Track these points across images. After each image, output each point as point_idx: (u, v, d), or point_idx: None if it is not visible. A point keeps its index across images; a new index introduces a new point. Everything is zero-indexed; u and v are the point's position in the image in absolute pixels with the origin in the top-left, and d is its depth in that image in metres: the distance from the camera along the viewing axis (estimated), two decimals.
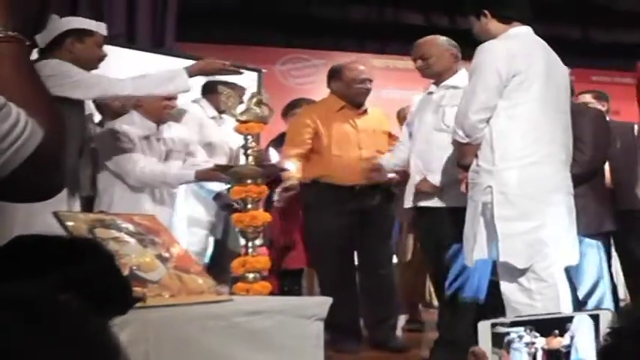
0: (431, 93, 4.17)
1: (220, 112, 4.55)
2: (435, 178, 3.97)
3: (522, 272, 3.20)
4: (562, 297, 3.25)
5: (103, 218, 2.63)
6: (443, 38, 4.27)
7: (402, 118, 5.44)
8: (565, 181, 3.34)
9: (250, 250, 3.19)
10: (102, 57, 3.68)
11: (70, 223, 2.47)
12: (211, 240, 4.62)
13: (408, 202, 4.13)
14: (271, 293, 3.28)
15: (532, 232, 3.19)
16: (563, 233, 3.27)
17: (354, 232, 4.52)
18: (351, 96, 4.70)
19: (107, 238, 2.49)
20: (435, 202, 4.00)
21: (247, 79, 6.24)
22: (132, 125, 4.07)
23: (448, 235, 3.85)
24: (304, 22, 8.60)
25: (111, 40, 3.86)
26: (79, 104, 3.59)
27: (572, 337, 1.21)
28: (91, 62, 3.64)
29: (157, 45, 6.57)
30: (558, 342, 1.22)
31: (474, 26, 3.49)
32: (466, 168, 3.38)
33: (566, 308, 3.30)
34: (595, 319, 1.22)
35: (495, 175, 3.22)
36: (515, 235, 3.17)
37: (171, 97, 4.10)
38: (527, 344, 1.21)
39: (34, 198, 1.51)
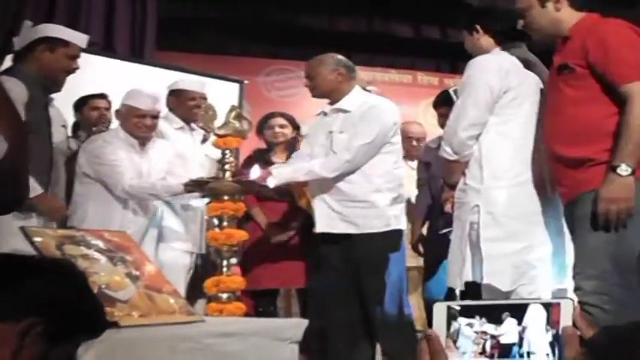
0: (325, 114, 4.17)
1: (187, 121, 4.56)
2: (338, 208, 3.97)
3: (507, 295, 3.21)
4: None
5: (73, 234, 2.64)
6: (333, 57, 4.24)
7: (402, 132, 5.46)
8: (556, 201, 3.36)
9: (225, 270, 3.20)
10: (71, 70, 3.66)
11: (37, 239, 2.49)
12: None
13: (319, 227, 4.05)
14: (246, 314, 3.29)
15: (518, 253, 3.20)
16: (550, 256, 3.29)
17: None
18: None
19: (76, 255, 2.50)
20: (347, 229, 3.98)
21: (228, 91, 6.32)
22: (117, 139, 4.14)
23: (364, 261, 3.93)
24: (289, 32, 8.64)
25: (87, 47, 3.87)
26: (46, 118, 3.61)
27: (524, 328, 1.20)
28: (57, 74, 3.63)
29: (136, 54, 6.59)
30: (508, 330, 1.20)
31: (465, 41, 3.52)
32: (453, 186, 3.40)
33: None
34: (548, 307, 1.21)
35: (483, 193, 3.23)
36: (500, 256, 3.19)
37: (144, 115, 4.13)
38: (477, 333, 1.18)
39: None
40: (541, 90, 3.35)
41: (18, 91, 3.37)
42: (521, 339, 1.17)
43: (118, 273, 2.53)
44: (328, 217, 3.99)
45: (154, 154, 4.25)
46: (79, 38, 3.71)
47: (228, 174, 3.24)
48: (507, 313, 1.17)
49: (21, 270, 1.32)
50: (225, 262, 3.20)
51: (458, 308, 1.17)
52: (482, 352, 1.17)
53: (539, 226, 3.25)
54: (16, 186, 1.29)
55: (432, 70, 9.42)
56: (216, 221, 3.45)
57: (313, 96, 4.22)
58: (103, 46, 6.32)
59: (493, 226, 3.19)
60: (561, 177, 3.05)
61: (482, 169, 3.24)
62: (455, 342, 1.17)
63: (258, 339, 2.56)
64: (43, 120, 3.56)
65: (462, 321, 1.17)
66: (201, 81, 4.86)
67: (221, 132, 3.27)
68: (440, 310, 1.18)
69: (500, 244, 3.17)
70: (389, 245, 4.01)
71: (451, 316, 1.17)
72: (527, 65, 3.36)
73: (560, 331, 1.17)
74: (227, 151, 3.27)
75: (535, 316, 1.18)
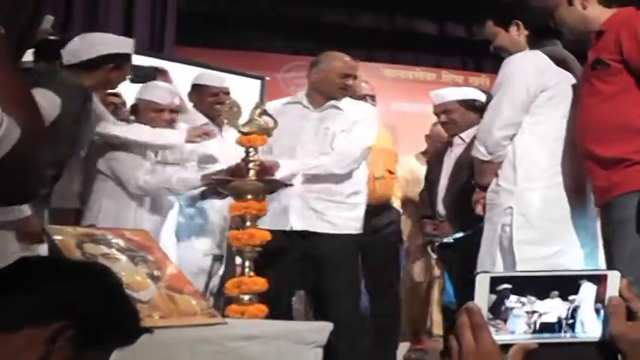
0: (306, 107, 4.12)
1: (211, 118, 4.50)
2: (317, 206, 3.98)
3: None
4: None
5: (93, 233, 2.62)
6: None
7: (435, 135, 5.41)
8: (590, 204, 3.32)
9: (247, 270, 3.18)
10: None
11: (57, 237, 2.47)
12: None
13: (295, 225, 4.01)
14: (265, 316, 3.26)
15: (552, 257, 3.16)
16: (583, 260, 3.25)
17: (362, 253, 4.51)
18: None
19: (96, 254, 2.48)
20: (323, 228, 3.98)
21: (249, 87, 6.30)
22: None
23: (334, 260, 3.95)
24: (310, 28, 8.62)
25: None
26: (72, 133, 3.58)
27: (576, 308, 1.14)
28: (117, 85, 3.76)
29: (155, 49, 6.59)
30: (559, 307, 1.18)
31: (497, 37, 3.47)
32: (484, 188, 3.36)
33: None
34: (597, 282, 1.16)
35: (516, 195, 3.20)
36: (534, 260, 3.14)
37: (163, 109, 4.09)
38: (528, 313, 1.14)
39: (10, 201, 1.48)
40: (574, 88, 3.31)
41: (46, 107, 3.31)
42: (573, 318, 1.15)
43: (138, 273, 2.50)
44: (302, 215, 3.95)
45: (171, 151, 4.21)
46: (132, 47, 3.74)
47: (252, 172, 3.21)
48: (556, 292, 1.14)
49: (52, 272, 1.29)
50: (247, 263, 3.18)
51: (510, 286, 1.12)
52: (533, 332, 1.14)
53: (574, 229, 3.21)
54: (29, 177, 1.24)
55: (457, 68, 9.36)
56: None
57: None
58: None
59: (527, 228, 3.16)
60: (595, 177, 3.00)
61: (516, 171, 3.21)
62: (505, 321, 1.13)
63: (282, 342, 2.53)
64: (66, 134, 3.47)
65: (514, 299, 1.13)
66: (220, 76, 4.82)
67: (245, 129, 3.25)
68: (482, 281, 1.13)
69: (533, 247, 3.14)
70: (357, 247, 4.11)
71: (504, 295, 1.13)
72: (564, 63, 3.31)
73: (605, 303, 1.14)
74: (251, 149, 3.25)
75: (587, 294, 1.15)
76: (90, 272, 1.33)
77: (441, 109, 4.39)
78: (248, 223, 3.20)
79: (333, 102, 4.07)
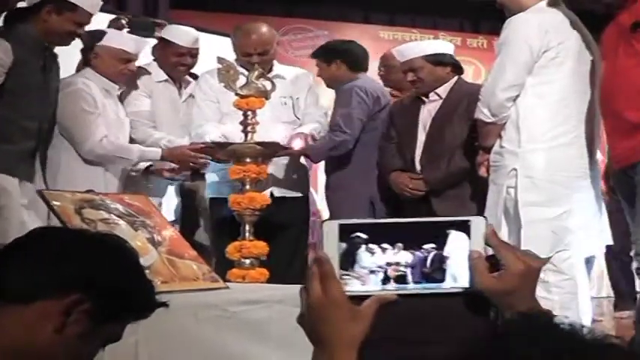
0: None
1: (172, 78, 4.24)
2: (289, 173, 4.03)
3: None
4: (580, 290, 3.24)
5: (92, 198, 2.60)
6: None
7: None
8: (594, 165, 3.31)
9: (247, 234, 3.17)
10: (76, 36, 3.52)
11: (56, 203, 2.45)
12: None
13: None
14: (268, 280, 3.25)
15: (558, 219, 3.17)
16: (589, 222, 3.26)
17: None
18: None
19: (96, 219, 2.46)
20: (292, 193, 4.04)
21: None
22: (93, 83, 3.83)
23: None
24: None
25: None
26: (41, 82, 3.46)
27: (445, 258, 1.10)
28: (61, 38, 3.49)
29: (149, 13, 6.53)
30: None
31: None
32: (487, 150, 3.34)
33: (584, 302, 3.30)
34: (467, 228, 1.11)
35: (521, 157, 3.20)
36: (540, 221, 3.15)
37: (130, 60, 3.90)
38: (388, 264, 1.09)
39: None
40: (587, 48, 3.27)
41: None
42: (441, 268, 1.11)
43: (139, 238, 2.48)
44: (279, 181, 3.95)
45: (129, 102, 4.05)
46: (89, 3, 3.51)
47: (250, 136, 3.20)
48: (420, 242, 1.10)
49: (68, 244, 1.29)
50: (247, 227, 3.17)
51: (365, 236, 1.08)
52: (393, 282, 1.11)
53: (579, 190, 3.21)
54: None
55: (455, 30, 9.30)
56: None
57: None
58: (116, 5, 6.25)
59: (532, 190, 3.15)
60: (619, 139, 2.99)
61: (520, 132, 3.20)
62: (360, 272, 1.10)
63: (285, 306, 2.51)
64: (35, 84, 3.41)
65: (368, 247, 1.09)
66: (193, 34, 4.33)
67: (243, 92, 3.21)
68: (330, 229, 1.09)
69: (539, 208, 3.14)
70: None
71: (356, 244, 1.09)
72: (567, 22, 3.28)
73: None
74: (249, 113, 3.22)
75: (457, 243, 1.10)
76: (106, 246, 1.33)
77: (407, 67, 4.02)
78: (247, 187, 3.19)
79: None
